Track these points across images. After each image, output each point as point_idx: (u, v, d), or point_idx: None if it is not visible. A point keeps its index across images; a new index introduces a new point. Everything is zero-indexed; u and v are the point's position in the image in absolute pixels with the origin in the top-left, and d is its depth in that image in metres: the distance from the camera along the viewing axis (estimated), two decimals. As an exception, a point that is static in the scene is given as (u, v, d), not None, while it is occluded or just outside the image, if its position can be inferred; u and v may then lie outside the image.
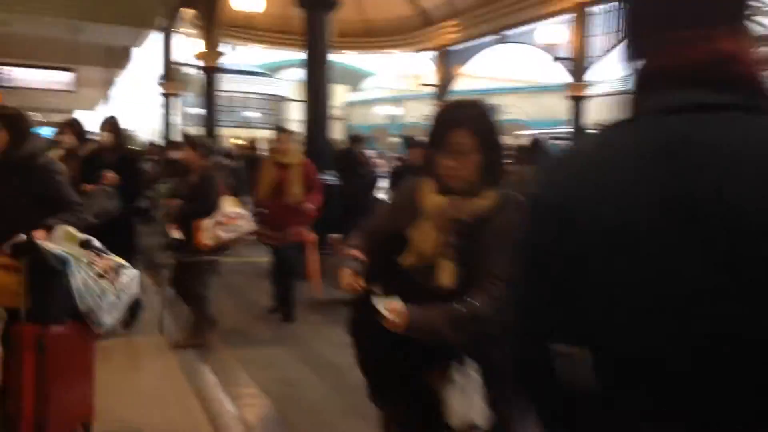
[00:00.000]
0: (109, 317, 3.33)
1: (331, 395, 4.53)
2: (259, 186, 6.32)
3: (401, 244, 2.15)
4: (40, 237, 3.23)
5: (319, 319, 6.48)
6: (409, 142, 7.38)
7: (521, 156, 6.91)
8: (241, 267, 8.57)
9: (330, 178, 7.25)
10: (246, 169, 9.69)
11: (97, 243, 3.44)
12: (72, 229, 3.39)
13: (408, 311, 1.97)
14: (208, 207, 5.12)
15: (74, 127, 6.01)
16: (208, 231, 5.05)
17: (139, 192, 5.81)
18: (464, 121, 2.06)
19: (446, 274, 2.06)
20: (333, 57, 8.37)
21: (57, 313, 3.17)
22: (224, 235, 5.12)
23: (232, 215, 5.20)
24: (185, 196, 5.26)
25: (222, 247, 5.31)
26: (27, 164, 3.53)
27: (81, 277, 3.22)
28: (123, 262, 3.50)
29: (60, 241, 3.32)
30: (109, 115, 5.91)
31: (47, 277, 3.15)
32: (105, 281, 3.31)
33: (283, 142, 6.31)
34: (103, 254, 3.41)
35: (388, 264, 2.15)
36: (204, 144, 5.50)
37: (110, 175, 5.16)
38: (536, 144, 6.99)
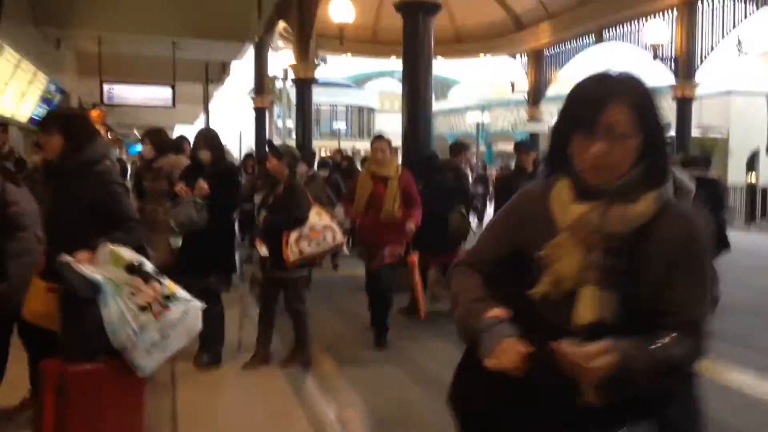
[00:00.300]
0: (148, 359, 2.78)
1: (446, 415, 4.25)
2: (353, 200, 5.92)
3: (527, 269, 1.63)
4: (82, 258, 2.86)
5: (422, 333, 6.25)
6: (520, 146, 6.93)
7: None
8: (340, 280, 8.49)
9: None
10: (340, 180, 9.56)
11: (147, 267, 2.93)
12: (121, 250, 2.92)
13: (615, 348, 1.40)
14: (295, 219, 4.86)
15: (152, 137, 5.77)
16: (293, 245, 4.81)
17: (236, 206, 5.58)
18: (621, 93, 1.51)
19: (594, 306, 1.52)
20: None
21: (84, 348, 2.74)
22: (308, 249, 4.86)
23: (319, 228, 4.93)
24: (271, 208, 5.00)
25: (309, 262, 5.05)
26: (82, 172, 3.18)
27: (116, 309, 2.72)
28: (179, 292, 2.98)
29: (104, 263, 2.85)
30: (203, 129, 5.69)
31: (75, 305, 2.74)
32: (147, 315, 2.78)
33: (381, 152, 5.83)
34: (153, 281, 2.89)
35: (509, 297, 1.62)
36: (291, 153, 5.17)
37: (202, 185, 4.89)
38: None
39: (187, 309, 2.94)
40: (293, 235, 4.81)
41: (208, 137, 5.19)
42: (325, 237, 4.94)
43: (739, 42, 23.10)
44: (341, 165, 11.08)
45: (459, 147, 7.36)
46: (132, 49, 11.94)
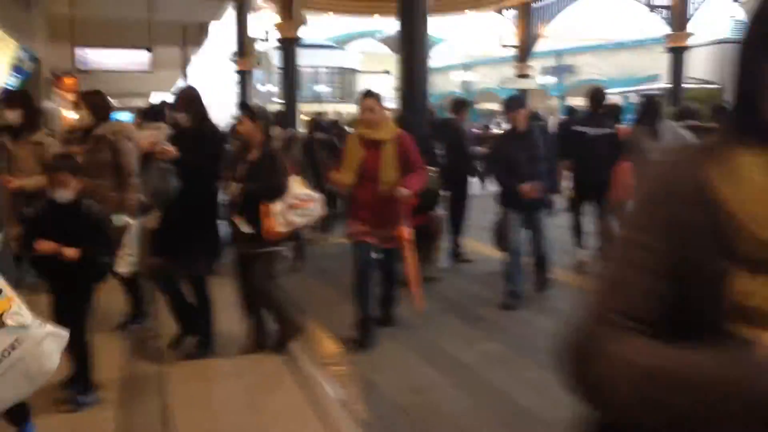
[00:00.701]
0: None
1: (468, 402, 3.92)
2: (342, 169, 4.99)
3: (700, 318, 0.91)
4: None
5: (431, 307, 5.85)
6: (510, 103, 5.95)
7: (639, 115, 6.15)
8: (335, 251, 8.05)
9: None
10: (337, 142, 8.99)
11: None
12: None
13: None
14: (275, 188, 4.33)
15: (89, 100, 4.86)
16: (279, 216, 4.30)
17: (218, 175, 4.65)
18: None
19: None
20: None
21: None
22: (298, 220, 4.39)
23: (304, 197, 4.45)
24: (244, 176, 4.39)
25: (292, 235, 4.58)
26: None
27: None
28: (12, 315, 2.07)
29: None
30: (183, 88, 5.09)
31: None
32: None
33: (370, 111, 4.90)
34: None
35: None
36: (265, 115, 4.59)
37: (165, 149, 4.26)
38: (651, 103, 6.21)
39: (18, 341, 2.00)
40: (278, 206, 4.32)
41: (188, 97, 4.60)
42: (312, 208, 4.50)
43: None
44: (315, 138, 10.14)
45: (460, 104, 6.74)
46: (105, 11, 11.33)
